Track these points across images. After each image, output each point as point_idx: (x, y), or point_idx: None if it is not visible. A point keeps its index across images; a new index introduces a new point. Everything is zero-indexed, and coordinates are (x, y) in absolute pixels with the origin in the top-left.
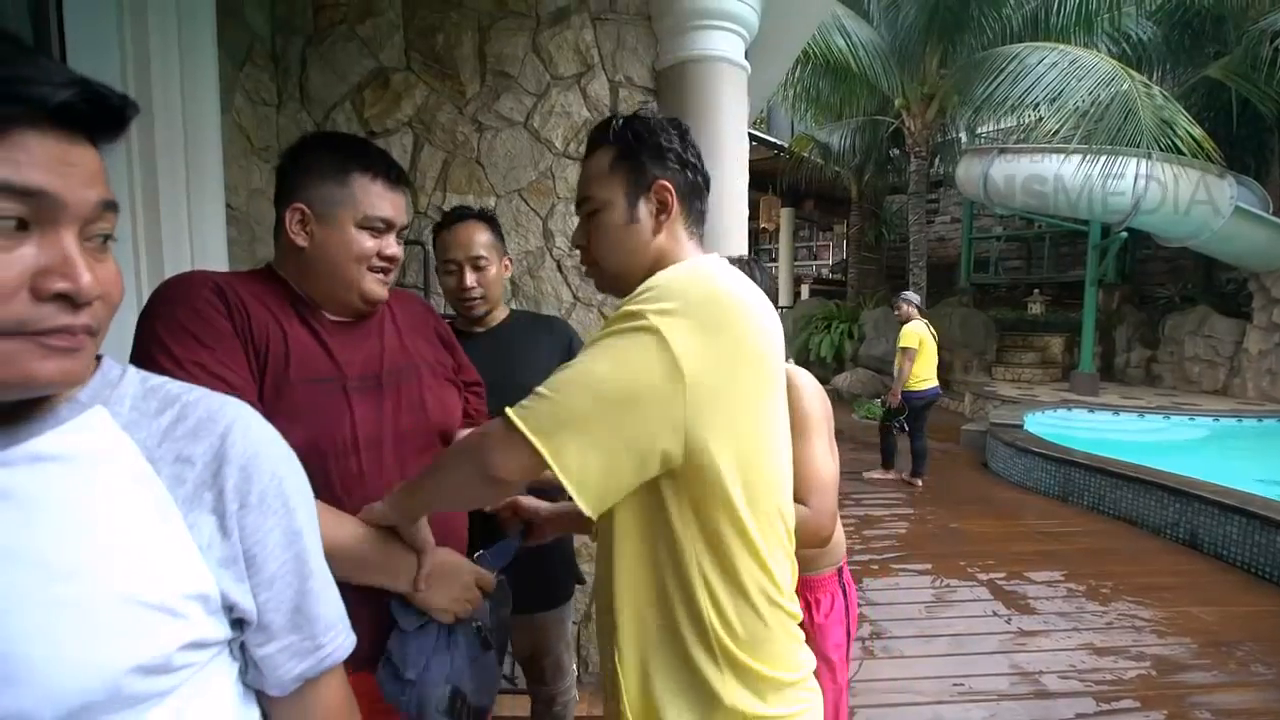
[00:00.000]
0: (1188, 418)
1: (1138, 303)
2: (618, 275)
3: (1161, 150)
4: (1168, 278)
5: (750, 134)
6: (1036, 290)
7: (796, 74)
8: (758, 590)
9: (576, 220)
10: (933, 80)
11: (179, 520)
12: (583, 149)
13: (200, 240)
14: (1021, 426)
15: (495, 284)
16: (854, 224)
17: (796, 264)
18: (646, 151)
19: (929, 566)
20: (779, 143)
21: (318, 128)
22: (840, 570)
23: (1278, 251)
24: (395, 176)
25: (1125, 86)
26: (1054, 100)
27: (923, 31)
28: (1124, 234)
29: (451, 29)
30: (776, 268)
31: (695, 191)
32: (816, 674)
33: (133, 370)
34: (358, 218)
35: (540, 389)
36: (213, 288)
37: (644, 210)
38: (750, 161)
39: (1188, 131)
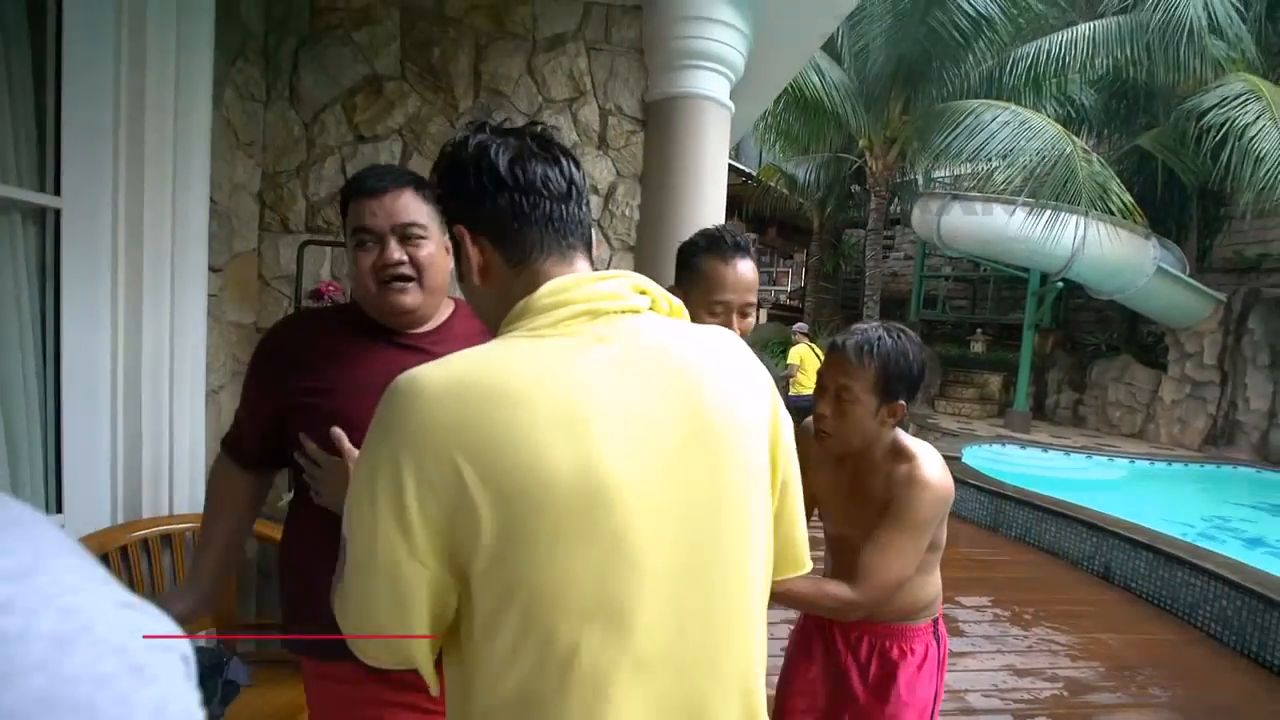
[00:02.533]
0: (1107, 458)
1: (1069, 348)
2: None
3: (1097, 211)
4: (1097, 326)
5: None
6: (979, 330)
7: (769, 107)
8: None
9: (607, 248)
10: (895, 125)
11: None
12: None
13: (182, 234)
14: (960, 459)
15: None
16: (814, 254)
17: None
18: (450, 198)
19: None
20: (747, 170)
21: (306, 128)
22: (936, 622)
23: (1192, 309)
24: (372, 184)
25: (1068, 150)
26: (1005, 156)
27: (889, 78)
28: (1060, 284)
29: (448, 44)
30: None
31: (507, 215)
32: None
33: None
34: (351, 236)
35: None
36: (274, 340)
37: (467, 263)
38: None
39: (1119, 197)
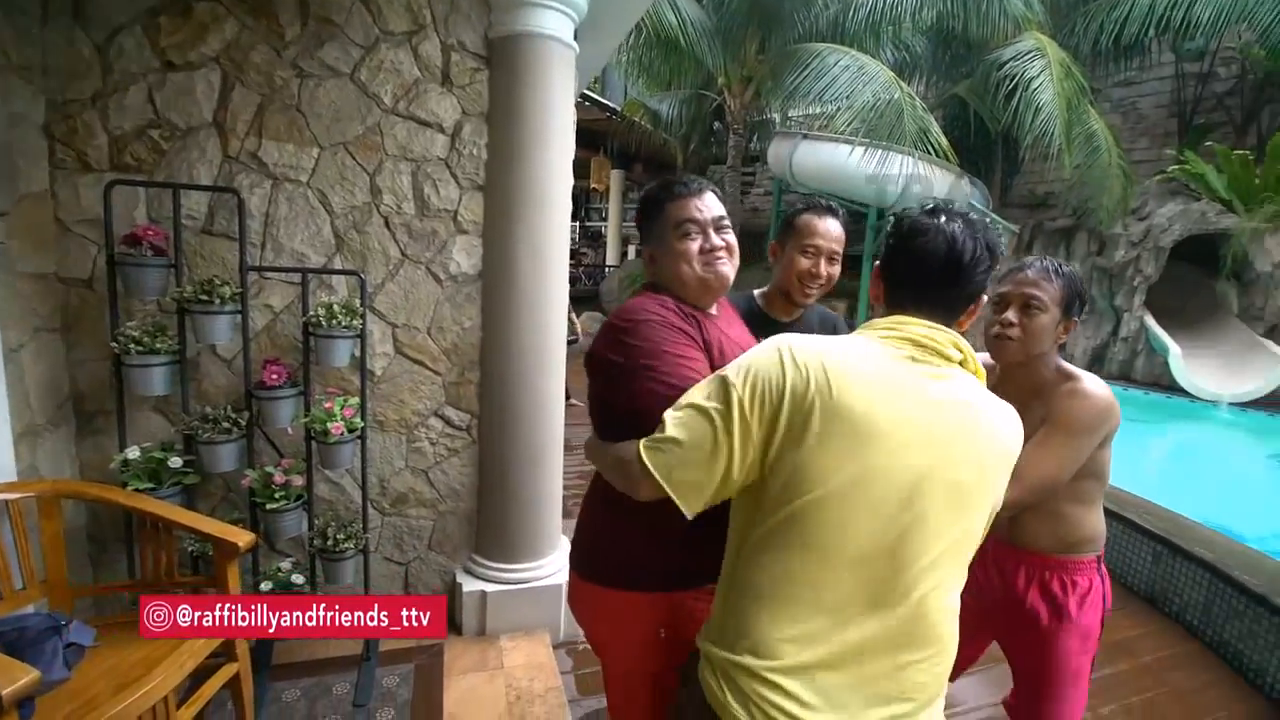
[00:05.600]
0: None
1: None
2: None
3: (919, 151)
4: None
5: (585, 94)
6: None
7: (630, 41)
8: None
9: (404, 179)
10: (751, 64)
11: None
12: (414, 107)
13: None
14: None
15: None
16: None
17: (625, 224)
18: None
19: None
20: (612, 105)
21: (98, 50)
22: (1099, 558)
23: None
24: (694, 187)
25: (897, 95)
26: (847, 98)
27: (744, 17)
28: (892, 217)
29: None
30: (606, 226)
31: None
32: (1067, 642)
33: None
34: (674, 229)
35: None
36: (670, 318)
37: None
38: (583, 121)
39: (936, 139)
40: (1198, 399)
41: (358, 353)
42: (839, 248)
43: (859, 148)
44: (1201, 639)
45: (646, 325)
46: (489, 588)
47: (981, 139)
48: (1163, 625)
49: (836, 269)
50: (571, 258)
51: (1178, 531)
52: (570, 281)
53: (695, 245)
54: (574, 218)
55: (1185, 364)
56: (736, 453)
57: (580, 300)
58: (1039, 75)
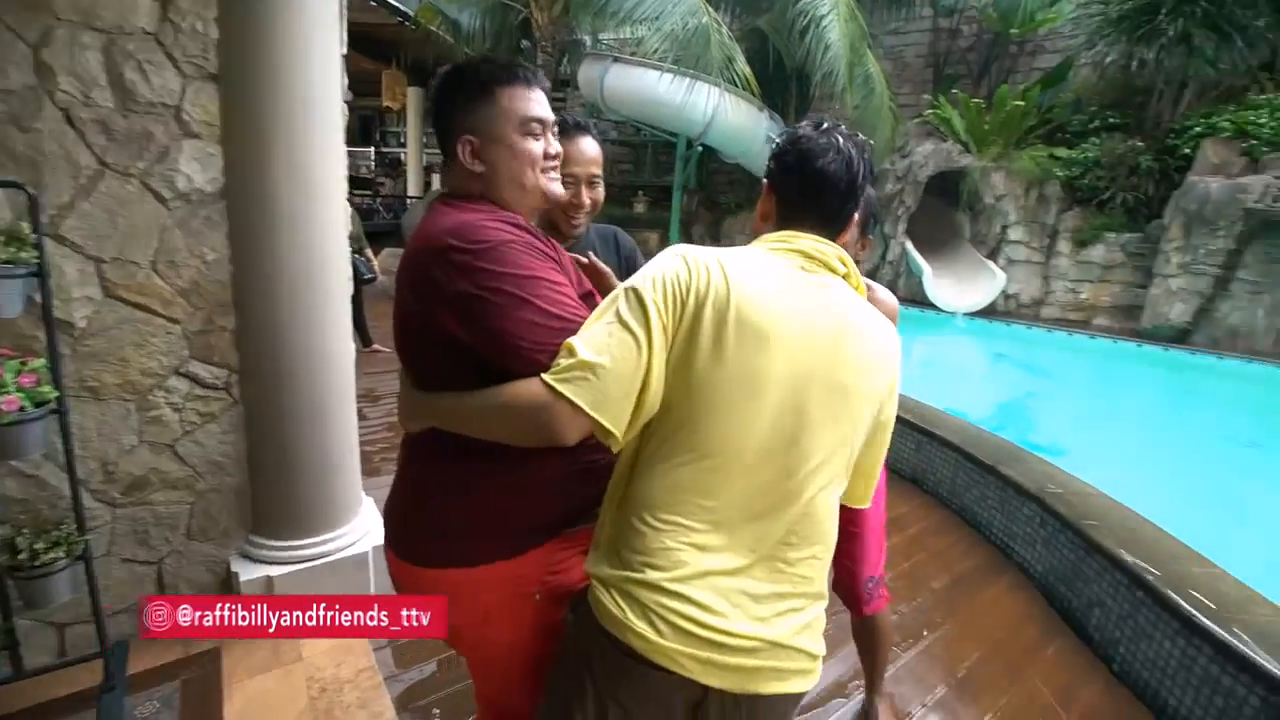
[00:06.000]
0: None
1: (710, 207)
2: None
3: (724, 80)
4: (728, 187)
5: None
6: (640, 191)
7: None
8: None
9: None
10: None
11: None
12: None
13: None
14: None
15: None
16: None
17: (427, 151)
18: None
19: None
20: (404, 9)
21: None
22: None
23: None
24: (535, 74)
25: (704, 20)
26: (656, 19)
27: None
28: (700, 148)
29: None
30: (405, 153)
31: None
32: (866, 526)
33: None
34: (519, 126)
35: None
36: (528, 239)
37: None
38: (368, 24)
39: (740, 68)
40: (942, 311)
41: (38, 297)
42: (598, 169)
43: (669, 74)
44: (950, 507)
45: (507, 248)
46: (275, 571)
47: (779, 74)
48: (923, 501)
49: (600, 191)
50: (368, 187)
51: (932, 421)
52: (367, 215)
53: (540, 148)
54: (368, 142)
55: (933, 282)
56: (656, 365)
57: (379, 236)
58: (828, 14)
